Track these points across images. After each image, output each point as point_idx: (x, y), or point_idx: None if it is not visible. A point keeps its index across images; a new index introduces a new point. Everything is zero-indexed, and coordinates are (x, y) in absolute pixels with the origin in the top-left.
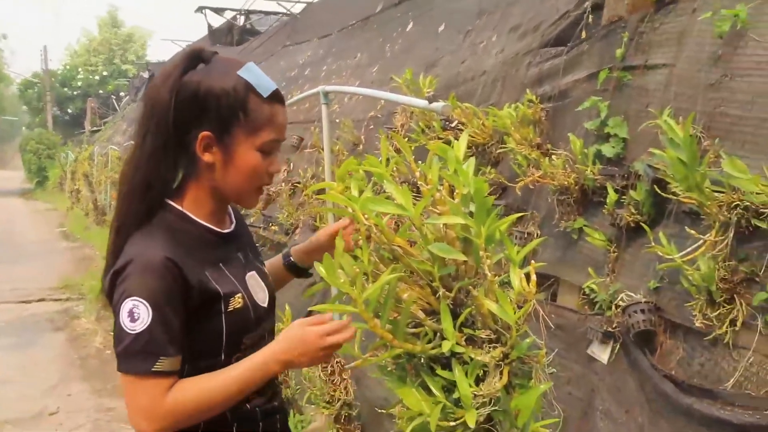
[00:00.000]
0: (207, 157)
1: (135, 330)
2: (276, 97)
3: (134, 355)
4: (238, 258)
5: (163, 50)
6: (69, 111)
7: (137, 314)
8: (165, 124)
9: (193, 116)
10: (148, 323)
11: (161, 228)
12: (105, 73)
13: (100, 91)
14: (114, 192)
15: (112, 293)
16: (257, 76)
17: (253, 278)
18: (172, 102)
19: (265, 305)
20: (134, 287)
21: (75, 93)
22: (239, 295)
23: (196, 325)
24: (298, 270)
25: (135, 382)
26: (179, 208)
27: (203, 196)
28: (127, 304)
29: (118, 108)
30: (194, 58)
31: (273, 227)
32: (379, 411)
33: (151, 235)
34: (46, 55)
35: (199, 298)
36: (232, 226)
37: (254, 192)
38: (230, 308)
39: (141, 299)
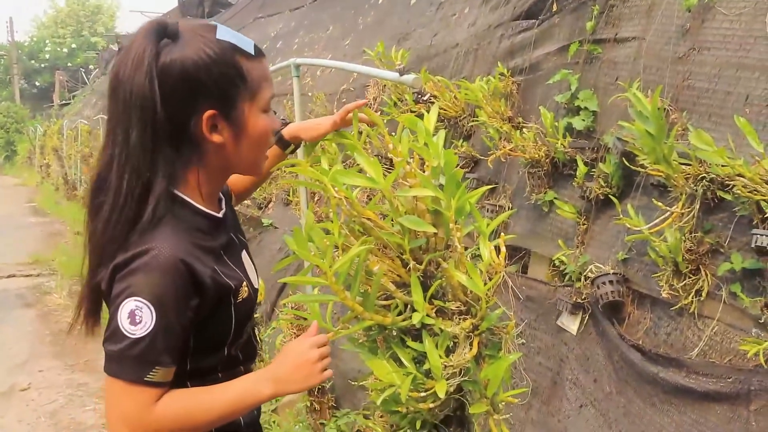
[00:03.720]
0: (216, 138)
1: (134, 334)
2: (259, 51)
3: (128, 361)
4: (233, 240)
5: (132, 22)
6: (37, 84)
7: (139, 317)
8: (152, 117)
9: (188, 99)
10: (150, 329)
11: (168, 221)
12: (73, 46)
13: (69, 64)
14: (85, 168)
15: (110, 288)
16: (234, 35)
17: (245, 258)
18: (156, 91)
19: (257, 285)
20: (140, 286)
21: (42, 66)
22: (245, 283)
23: (208, 321)
24: (284, 143)
25: (123, 388)
26: (182, 196)
27: (204, 179)
28: (129, 304)
29: (87, 81)
30: (161, 35)
31: (245, 201)
32: (352, 383)
33: (158, 230)
34: (11, 26)
35: (214, 296)
36: (223, 205)
37: (264, 158)
38: (239, 299)
39: (146, 301)
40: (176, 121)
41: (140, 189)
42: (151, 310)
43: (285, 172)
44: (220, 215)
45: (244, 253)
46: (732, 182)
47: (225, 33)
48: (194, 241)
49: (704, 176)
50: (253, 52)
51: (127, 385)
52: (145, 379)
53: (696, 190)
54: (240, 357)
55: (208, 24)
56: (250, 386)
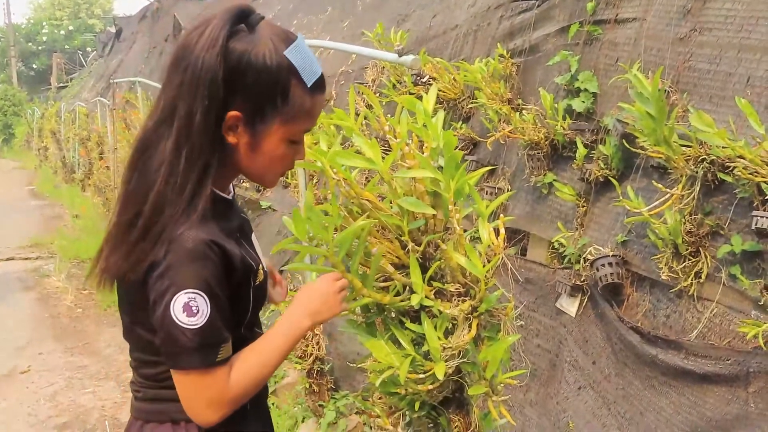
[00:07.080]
0: (230, 138)
1: (197, 324)
2: (319, 86)
3: (197, 351)
4: (242, 224)
5: (129, 4)
6: (34, 66)
7: (196, 307)
8: (216, 96)
9: (228, 91)
10: (209, 315)
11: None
12: (71, 28)
13: (66, 47)
14: (82, 150)
15: (143, 283)
16: (304, 58)
17: (255, 242)
18: (221, 71)
19: (266, 269)
20: (184, 278)
21: (40, 48)
22: (261, 266)
23: (230, 302)
24: None
25: (199, 377)
26: None
27: (219, 172)
28: (181, 298)
29: (85, 64)
30: (240, 20)
31: (244, 184)
32: (351, 365)
33: (188, 218)
34: (8, 8)
35: (239, 275)
36: (231, 188)
37: (277, 176)
38: (257, 282)
39: (197, 291)
40: (220, 106)
41: (200, 170)
42: (204, 298)
43: None
44: (230, 197)
45: (253, 236)
46: (732, 164)
47: (295, 53)
48: (219, 224)
49: (705, 158)
50: (309, 84)
51: (202, 373)
52: (217, 360)
53: (696, 172)
54: (249, 338)
55: (289, 36)
56: (293, 323)
